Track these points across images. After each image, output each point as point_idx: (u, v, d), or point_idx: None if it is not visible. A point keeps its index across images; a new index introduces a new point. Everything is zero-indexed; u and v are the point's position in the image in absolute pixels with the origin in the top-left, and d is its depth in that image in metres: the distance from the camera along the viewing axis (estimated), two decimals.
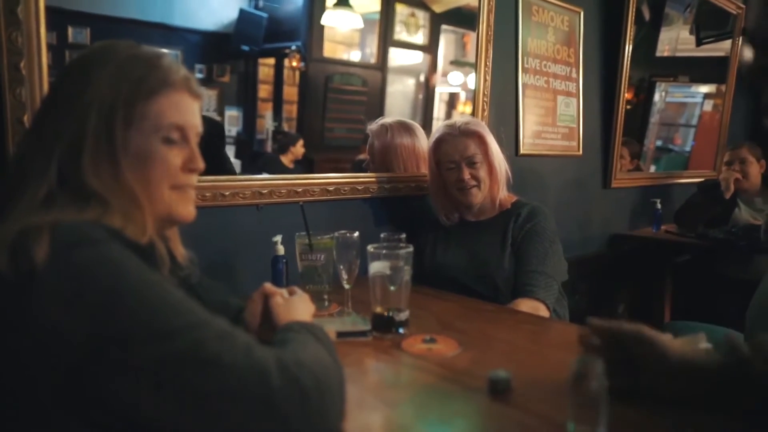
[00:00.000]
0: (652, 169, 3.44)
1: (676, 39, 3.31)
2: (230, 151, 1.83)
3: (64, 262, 0.62)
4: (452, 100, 2.39)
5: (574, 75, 2.65)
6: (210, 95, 1.78)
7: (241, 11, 1.72)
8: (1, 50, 1.20)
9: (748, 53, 0.59)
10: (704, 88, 3.71)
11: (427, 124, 2.16)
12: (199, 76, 1.73)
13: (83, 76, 0.76)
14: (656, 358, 0.82)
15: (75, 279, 0.61)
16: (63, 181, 0.72)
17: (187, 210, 0.85)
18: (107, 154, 0.74)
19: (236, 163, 1.82)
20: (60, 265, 0.62)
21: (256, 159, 1.91)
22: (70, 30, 1.39)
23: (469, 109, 2.27)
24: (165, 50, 1.55)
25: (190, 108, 0.83)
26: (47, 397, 0.61)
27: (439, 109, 2.35)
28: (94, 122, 0.73)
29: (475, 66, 2.19)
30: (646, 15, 2.99)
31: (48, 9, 1.26)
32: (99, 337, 0.59)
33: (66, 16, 1.36)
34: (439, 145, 1.74)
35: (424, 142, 1.96)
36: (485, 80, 2.21)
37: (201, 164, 0.84)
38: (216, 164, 1.62)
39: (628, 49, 2.81)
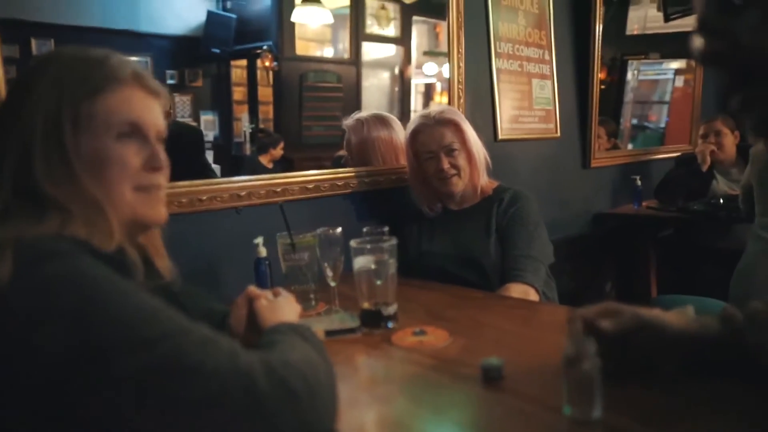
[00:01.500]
0: (629, 147, 3.47)
1: (644, 17, 3.33)
2: (209, 156, 1.81)
3: (31, 278, 0.60)
4: (429, 91, 2.38)
5: (547, 57, 2.65)
6: (184, 101, 1.75)
7: (209, 13, 1.70)
8: None
9: (698, 41, 0.58)
10: (675, 64, 3.75)
11: (404, 117, 2.15)
12: (171, 82, 1.70)
13: (26, 84, 0.75)
14: (655, 334, 0.83)
15: (44, 295, 0.59)
16: (18, 193, 0.70)
17: (156, 211, 0.82)
18: (60, 160, 0.72)
19: (215, 168, 1.79)
20: (27, 282, 0.60)
21: (235, 163, 1.89)
22: (33, 42, 1.36)
23: (446, 99, 2.26)
24: (134, 58, 1.52)
25: (144, 104, 0.80)
26: (25, 417, 0.59)
27: (416, 101, 2.34)
28: (40, 128, 0.71)
29: (447, 54, 2.18)
30: None
31: (6, 21, 1.22)
32: (75, 352, 0.58)
33: (28, 28, 1.32)
34: (415, 136, 1.73)
35: (401, 134, 1.95)
36: (459, 68, 2.19)
37: (164, 162, 0.81)
38: (196, 171, 1.60)
39: (599, 28, 2.81)
